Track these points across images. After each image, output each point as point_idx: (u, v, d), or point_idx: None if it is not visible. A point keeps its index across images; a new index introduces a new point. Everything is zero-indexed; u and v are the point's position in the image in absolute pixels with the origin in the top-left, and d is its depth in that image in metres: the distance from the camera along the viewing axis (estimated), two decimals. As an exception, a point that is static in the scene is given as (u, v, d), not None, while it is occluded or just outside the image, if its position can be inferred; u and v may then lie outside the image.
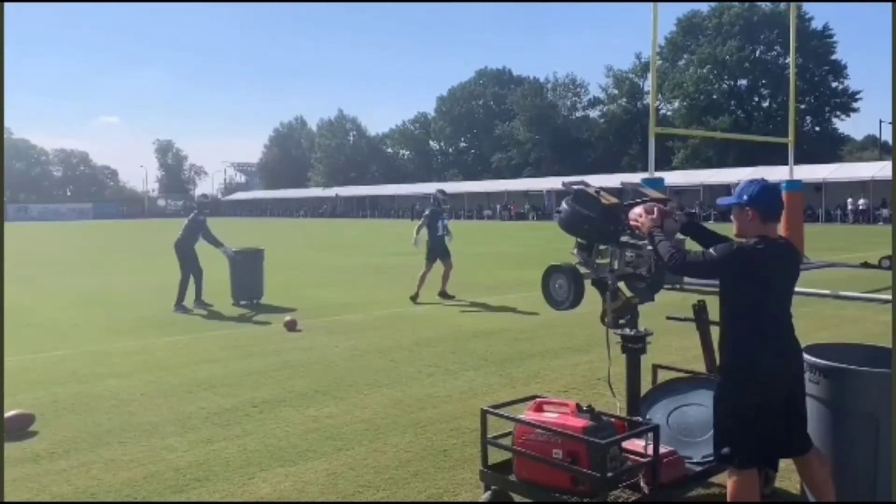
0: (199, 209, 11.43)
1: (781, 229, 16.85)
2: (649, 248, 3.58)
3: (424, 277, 11.18)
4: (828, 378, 3.34)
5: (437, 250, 11.28)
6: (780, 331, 3.12)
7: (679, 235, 3.71)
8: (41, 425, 5.14)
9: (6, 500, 3.85)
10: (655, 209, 3.45)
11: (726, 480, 3.86)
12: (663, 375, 4.26)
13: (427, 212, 11.47)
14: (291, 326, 8.85)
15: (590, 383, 6.02)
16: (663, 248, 3.24)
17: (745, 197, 3.11)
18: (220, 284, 11.40)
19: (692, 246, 3.54)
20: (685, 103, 62.16)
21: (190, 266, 10.84)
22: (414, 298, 11.01)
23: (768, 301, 3.07)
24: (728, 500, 3.10)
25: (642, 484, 3.35)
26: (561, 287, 3.84)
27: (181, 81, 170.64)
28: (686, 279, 12.01)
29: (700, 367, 4.29)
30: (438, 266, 11.31)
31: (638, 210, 3.52)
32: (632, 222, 3.50)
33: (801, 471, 3.25)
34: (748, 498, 3.05)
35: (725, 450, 3.08)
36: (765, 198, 3.09)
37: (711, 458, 3.61)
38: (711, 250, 3.12)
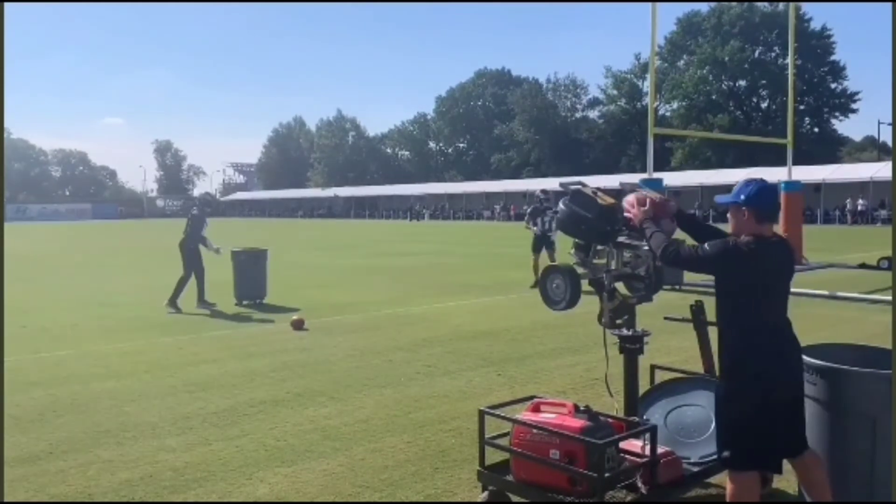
0: (200, 206, 11.46)
1: (780, 230, 16.85)
2: (646, 247, 3.57)
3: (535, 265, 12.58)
4: (825, 379, 3.34)
5: (539, 242, 12.89)
6: (779, 331, 3.07)
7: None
8: (39, 426, 5.14)
9: (5, 500, 3.86)
10: (648, 200, 3.41)
11: (725, 481, 3.88)
12: (661, 376, 4.26)
13: (529, 209, 13.55)
14: (298, 325, 8.85)
15: (587, 383, 6.02)
16: (656, 240, 3.21)
17: (741, 196, 3.07)
18: (223, 284, 11.40)
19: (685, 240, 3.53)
20: (684, 104, 62.20)
21: (193, 265, 10.83)
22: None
23: (765, 300, 3.04)
24: (727, 501, 3.09)
25: (640, 484, 3.34)
26: (558, 287, 3.85)
27: (180, 82, 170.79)
28: (686, 279, 12.02)
29: (698, 367, 4.29)
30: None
31: (630, 199, 3.49)
32: (625, 213, 3.48)
33: (798, 471, 3.24)
34: (748, 501, 3.03)
35: (726, 453, 3.04)
36: (761, 198, 3.06)
37: (709, 459, 3.62)
38: (706, 245, 3.07)
